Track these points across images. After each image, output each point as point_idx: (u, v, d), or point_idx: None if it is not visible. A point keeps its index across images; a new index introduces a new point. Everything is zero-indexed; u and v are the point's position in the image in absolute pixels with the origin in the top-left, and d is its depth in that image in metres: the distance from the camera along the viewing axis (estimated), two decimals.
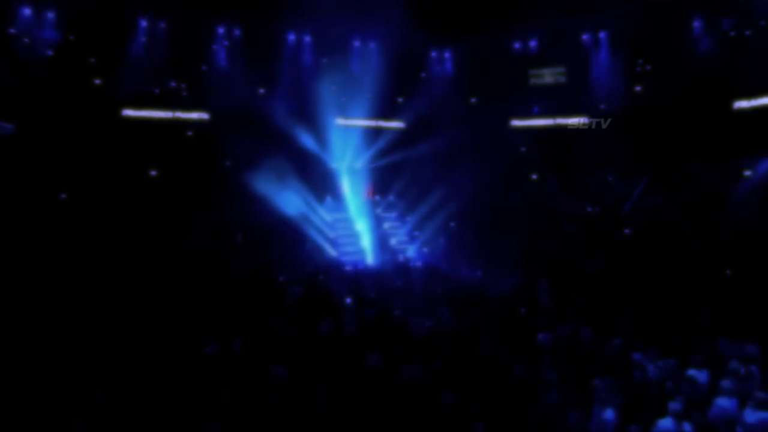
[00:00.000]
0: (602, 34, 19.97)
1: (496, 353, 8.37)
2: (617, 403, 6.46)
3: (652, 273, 12.05)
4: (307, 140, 19.60)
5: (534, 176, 19.37)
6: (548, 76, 20.23)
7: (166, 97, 19.22)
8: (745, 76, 16.36)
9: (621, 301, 10.58)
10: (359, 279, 12.78)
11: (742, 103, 16.91)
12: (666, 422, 5.93)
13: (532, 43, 20.51)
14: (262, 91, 20.76)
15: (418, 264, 14.90)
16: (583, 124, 19.14)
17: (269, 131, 18.29)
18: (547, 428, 6.54)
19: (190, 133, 19.38)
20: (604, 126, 16.56)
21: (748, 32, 17.19)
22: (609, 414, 6.42)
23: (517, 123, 20.68)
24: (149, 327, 9.06)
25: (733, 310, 9.47)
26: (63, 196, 16.03)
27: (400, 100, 21.67)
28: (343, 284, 11.88)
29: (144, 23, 18.84)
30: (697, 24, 18.28)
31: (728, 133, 16.04)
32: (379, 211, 18.27)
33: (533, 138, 20.15)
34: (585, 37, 19.86)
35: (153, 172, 18.11)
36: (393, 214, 18.22)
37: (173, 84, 19.99)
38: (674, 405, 6.00)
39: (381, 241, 16.93)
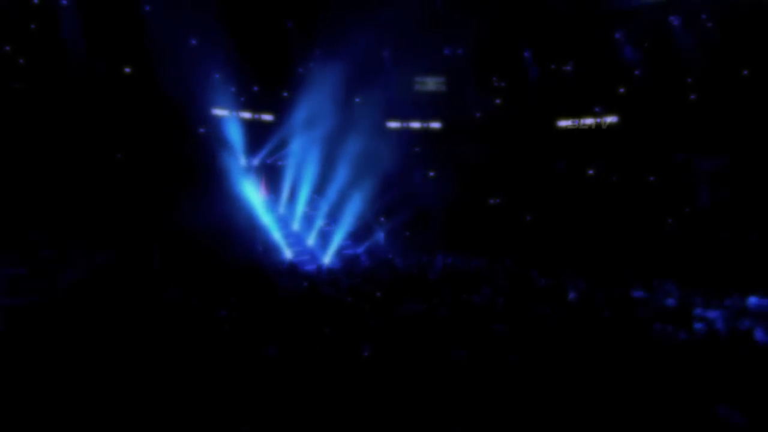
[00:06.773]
0: (460, 51, 23.33)
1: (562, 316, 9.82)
2: None
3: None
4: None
5: (431, 173, 21.39)
6: (431, 84, 22.52)
7: None
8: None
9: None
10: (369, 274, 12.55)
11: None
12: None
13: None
14: (128, 70, 17.77)
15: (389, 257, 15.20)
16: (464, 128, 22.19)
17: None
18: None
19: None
20: (604, 127, 19.47)
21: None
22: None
23: (395, 124, 22.50)
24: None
25: None
26: None
27: (285, 94, 21.12)
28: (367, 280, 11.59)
29: None
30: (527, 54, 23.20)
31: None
32: (307, 209, 17.58)
33: (425, 139, 22.19)
34: (459, 52, 22.81)
35: None
36: (323, 213, 17.71)
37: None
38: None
39: (325, 240, 16.43)
